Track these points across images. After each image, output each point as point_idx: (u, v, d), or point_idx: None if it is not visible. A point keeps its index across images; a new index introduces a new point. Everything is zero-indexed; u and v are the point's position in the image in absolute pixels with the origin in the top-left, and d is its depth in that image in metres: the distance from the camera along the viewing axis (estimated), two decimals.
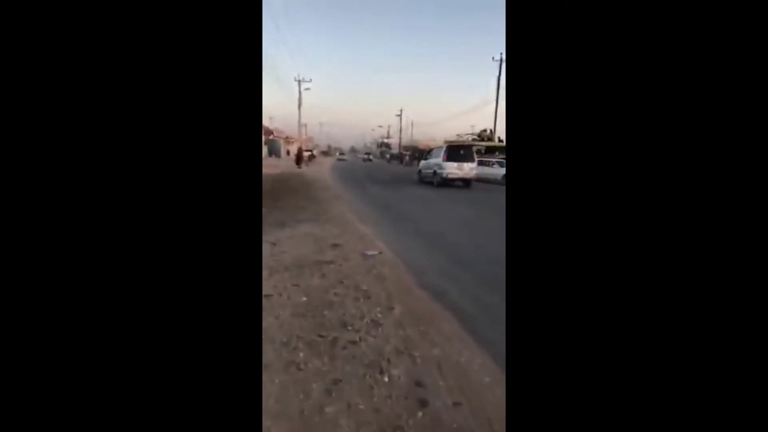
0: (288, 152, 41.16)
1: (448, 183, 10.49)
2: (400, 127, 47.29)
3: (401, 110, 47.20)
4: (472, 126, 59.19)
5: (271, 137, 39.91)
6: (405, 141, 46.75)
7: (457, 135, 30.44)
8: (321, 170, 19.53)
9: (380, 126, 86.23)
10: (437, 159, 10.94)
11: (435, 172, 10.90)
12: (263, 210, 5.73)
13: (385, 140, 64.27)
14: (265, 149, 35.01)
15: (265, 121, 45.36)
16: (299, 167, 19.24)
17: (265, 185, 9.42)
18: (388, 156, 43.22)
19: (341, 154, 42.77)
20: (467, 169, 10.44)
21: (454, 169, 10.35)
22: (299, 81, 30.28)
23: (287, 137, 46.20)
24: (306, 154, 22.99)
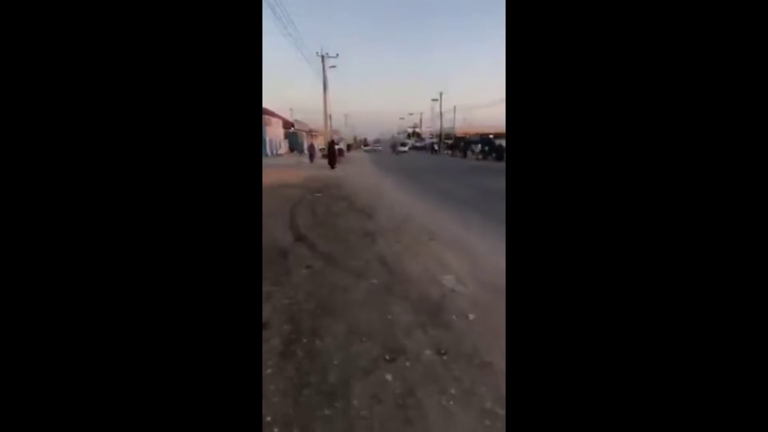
0: (312, 146, 36.01)
1: (397, 152, 34.99)
2: (441, 111, 39.98)
3: (441, 94, 40.04)
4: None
5: (291, 130, 34.79)
6: (438, 129, 40.18)
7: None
8: (364, 171, 13.51)
9: (411, 114, 77.80)
10: (399, 145, 39.83)
11: (396, 147, 38.39)
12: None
13: (416, 129, 57.87)
14: (285, 144, 31.19)
15: (285, 113, 40.64)
16: (333, 168, 13.28)
17: (287, 230, 3.47)
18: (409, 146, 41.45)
19: (366, 145, 54.97)
20: (406, 147, 38.12)
21: (400, 147, 37.78)
22: (323, 56, 23.80)
23: (310, 130, 41.23)
24: (335, 148, 16.74)
